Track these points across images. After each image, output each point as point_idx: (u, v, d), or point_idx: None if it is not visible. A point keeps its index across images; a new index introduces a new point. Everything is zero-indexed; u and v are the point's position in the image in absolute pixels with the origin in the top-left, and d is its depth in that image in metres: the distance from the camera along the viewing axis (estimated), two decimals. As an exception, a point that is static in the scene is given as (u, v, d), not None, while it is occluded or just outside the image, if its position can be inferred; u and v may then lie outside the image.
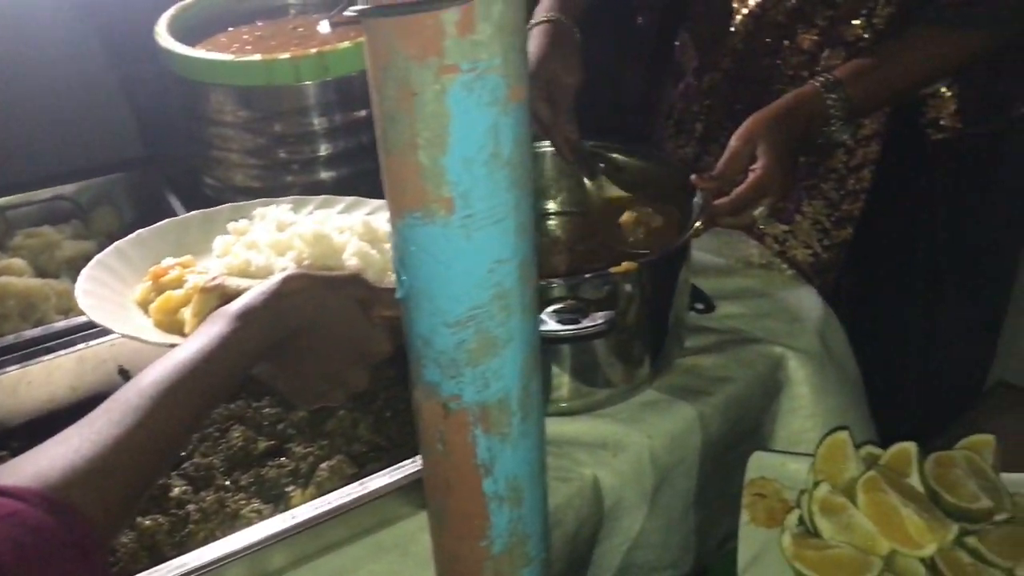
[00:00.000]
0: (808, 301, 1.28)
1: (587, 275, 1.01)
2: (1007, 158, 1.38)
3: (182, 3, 1.42)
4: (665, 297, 1.11)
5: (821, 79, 1.14)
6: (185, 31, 1.38)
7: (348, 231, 0.98)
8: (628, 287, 1.03)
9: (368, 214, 1.07)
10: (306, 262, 0.93)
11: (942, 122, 1.30)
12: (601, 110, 1.34)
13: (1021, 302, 1.63)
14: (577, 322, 0.96)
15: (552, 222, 1.32)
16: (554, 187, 1.31)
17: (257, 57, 1.23)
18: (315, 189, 1.33)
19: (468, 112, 0.56)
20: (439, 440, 0.69)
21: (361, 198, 1.11)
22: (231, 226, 1.03)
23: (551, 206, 1.33)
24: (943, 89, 1.26)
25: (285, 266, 0.92)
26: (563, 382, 1.09)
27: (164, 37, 1.31)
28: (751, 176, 1.11)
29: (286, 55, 1.22)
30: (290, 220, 1.02)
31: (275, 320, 0.71)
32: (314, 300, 0.73)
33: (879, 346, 1.48)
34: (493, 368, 0.66)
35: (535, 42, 1.22)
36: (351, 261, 0.94)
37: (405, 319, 0.67)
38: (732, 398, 1.15)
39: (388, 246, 1.01)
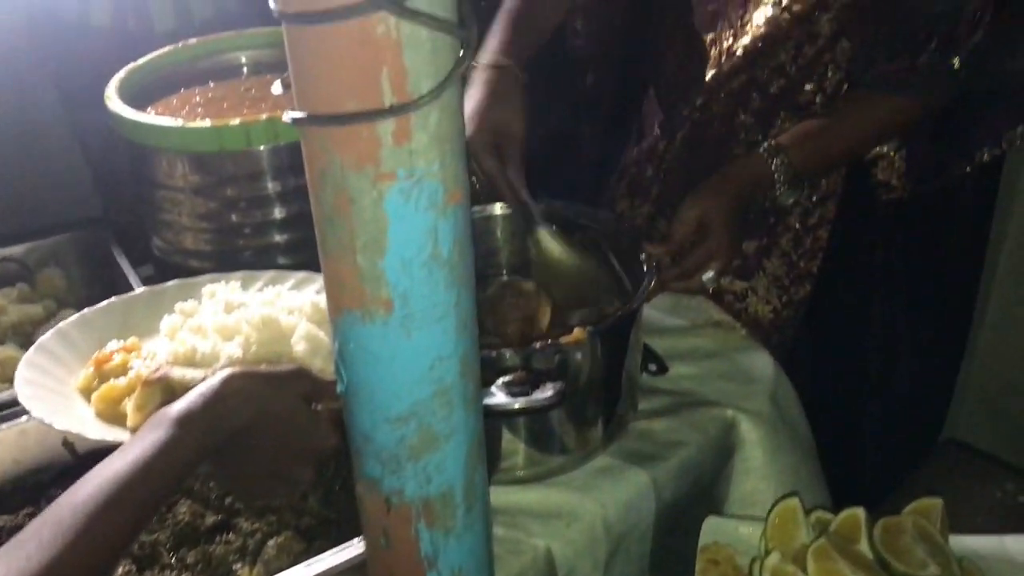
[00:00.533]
0: (760, 362, 1.29)
1: (536, 346, 1.01)
2: (956, 217, 1.41)
3: (132, 65, 1.41)
4: (617, 363, 1.11)
5: (764, 145, 1.16)
6: (136, 93, 1.37)
7: (297, 312, 0.97)
8: (579, 356, 1.04)
9: (319, 291, 1.06)
10: (253, 348, 0.92)
11: (892, 183, 1.32)
12: (556, 168, 1.35)
13: (970, 362, 1.66)
14: (527, 394, 0.96)
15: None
16: (505, 249, 1.31)
17: (207, 123, 1.23)
18: (268, 252, 1.32)
19: (406, 217, 0.57)
20: (382, 534, 0.68)
21: (312, 273, 1.10)
22: (178, 306, 1.01)
23: (504, 266, 1.33)
24: (890, 152, 1.29)
25: (232, 352, 0.91)
26: (516, 450, 1.09)
27: (114, 101, 1.30)
28: (699, 241, 1.12)
29: (236, 121, 1.22)
30: (238, 300, 1.01)
31: (216, 424, 0.70)
32: (256, 400, 0.72)
33: (837, 402, 1.50)
34: (435, 463, 0.65)
35: (480, 90, 1.18)
36: (299, 345, 0.93)
37: (346, 414, 0.66)
38: (685, 462, 1.15)
39: None
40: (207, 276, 1.09)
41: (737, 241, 1.16)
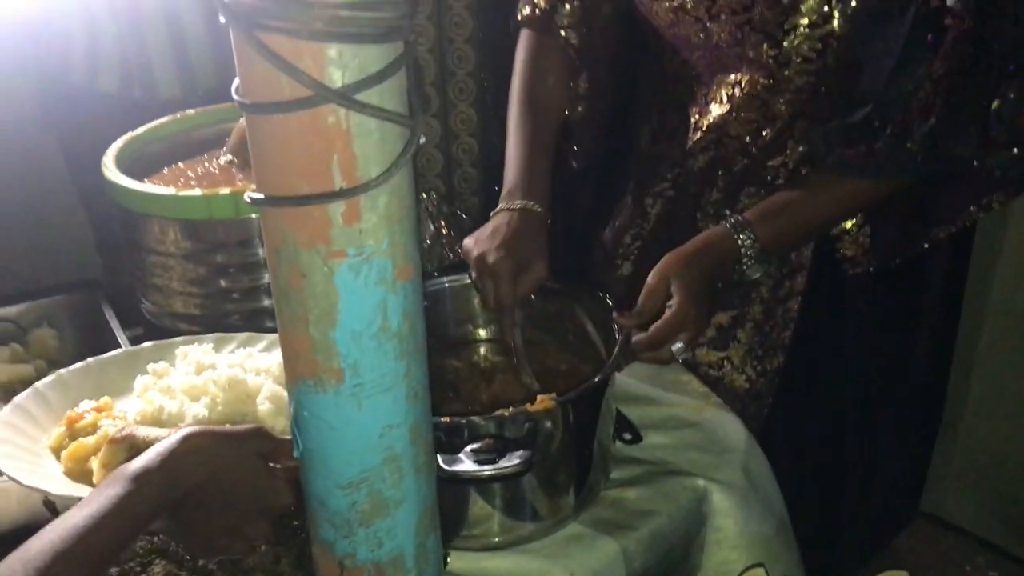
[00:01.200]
0: (733, 432, 1.30)
1: (506, 413, 1.04)
2: (924, 290, 1.44)
3: (130, 134, 1.47)
4: (587, 431, 1.13)
5: (731, 220, 1.21)
6: (133, 162, 1.42)
7: (264, 373, 1.01)
8: (548, 424, 1.06)
9: None
10: (219, 408, 0.95)
11: (857, 258, 1.36)
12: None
13: (950, 440, 1.67)
14: (495, 462, 0.98)
15: (482, 350, 1.35)
16: (483, 316, 1.35)
17: (198, 192, 1.27)
18: (256, 317, 1.36)
19: (356, 292, 0.60)
20: (335, 597, 0.70)
21: None
22: (151, 367, 1.05)
23: (481, 333, 1.36)
24: (854, 229, 1.32)
25: (197, 412, 0.94)
26: (486, 516, 1.10)
27: (110, 169, 1.35)
28: (667, 313, 1.15)
29: (226, 190, 1.26)
30: (210, 361, 1.05)
31: (171, 481, 0.73)
32: (213, 458, 0.74)
33: (814, 473, 1.51)
34: (386, 528, 0.68)
35: (508, 228, 1.24)
36: (263, 405, 0.96)
37: (302, 479, 0.69)
38: (656, 532, 1.16)
39: None
40: (182, 338, 1.13)
41: (705, 313, 1.18)
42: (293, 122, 0.55)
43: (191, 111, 1.57)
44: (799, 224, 1.24)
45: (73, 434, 0.94)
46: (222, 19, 0.54)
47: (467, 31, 1.56)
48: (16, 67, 1.89)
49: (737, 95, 1.26)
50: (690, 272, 1.16)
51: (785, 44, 1.18)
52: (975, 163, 1.17)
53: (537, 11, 1.39)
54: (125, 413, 0.97)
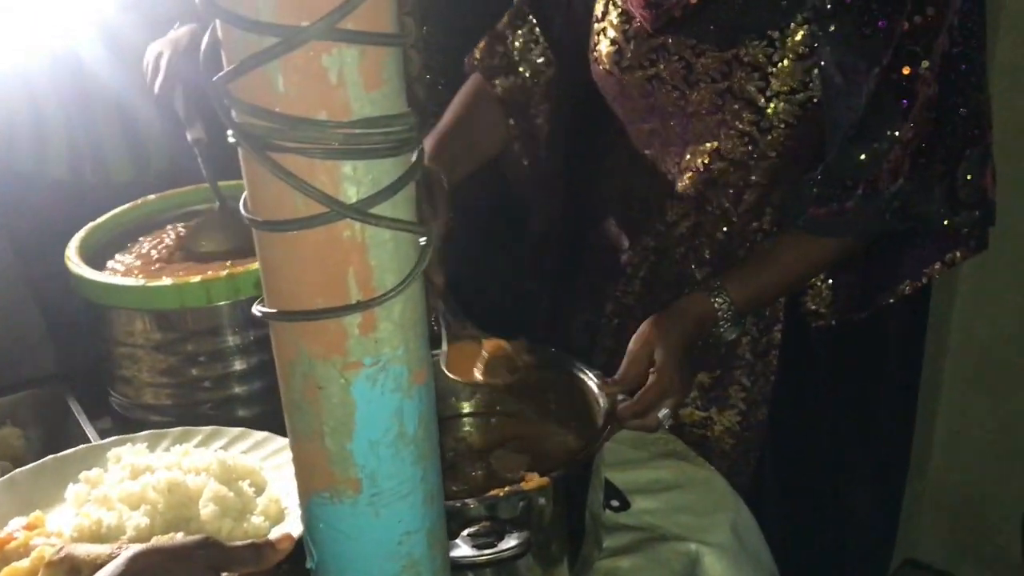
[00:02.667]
0: (720, 492, 1.31)
1: (500, 494, 1.03)
2: (887, 339, 1.47)
3: (92, 224, 1.44)
4: (579, 504, 1.13)
5: (706, 283, 1.23)
6: (96, 250, 1.39)
7: (204, 472, 0.98)
8: (542, 501, 1.05)
9: (223, 447, 1.08)
10: (160, 516, 0.91)
11: (821, 311, 1.39)
12: (506, 318, 1.38)
13: (923, 482, 1.70)
14: (493, 545, 0.97)
15: (467, 427, 1.34)
16: (465, 391, 1.34)
17: (168, 282, 1.25)
18: (228, 404, 1.34)
19: (372, 401, 0.59)
20: None
21: (219, 427, 1.12)
22: (83, 475, 1.01)
23: (465, 407, 1.35)
24: (818, 283, 1.36)
25: (139, 522, 0.90)
26: (484, 595, 1.09)
27: (74, 262, 1.32)
28: (651, 379, 1.16)
29: (197, 279, 1.25)
30: (144, 463, 1.01)
31: None
32: None
33: (806, 520, 1.52)
34: (407, 637, 0.66)
35: None
36: (207, 508, 0.93)
37: (318, 591, 0.67)
38: (651, 600, 1.16)
39: (246, 484, 1.01)
40: (112, 439, 1.09)
41: (687, 377, 1.20)
42: (308, 238, 0.55)
43: (152, 196, 1.55)
44: (772, 283, 1.26)
45: (3, 558, 0.88)
46: (232, 139, 0.53)
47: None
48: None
49: (715, 162, 1.28)
50: (671, 337, 1.17)
51: (768, 111, 1.21)
52: (944, 222, 1.21)
53: (475, 60, 1.43)
54: (61, 529, 0.91)
